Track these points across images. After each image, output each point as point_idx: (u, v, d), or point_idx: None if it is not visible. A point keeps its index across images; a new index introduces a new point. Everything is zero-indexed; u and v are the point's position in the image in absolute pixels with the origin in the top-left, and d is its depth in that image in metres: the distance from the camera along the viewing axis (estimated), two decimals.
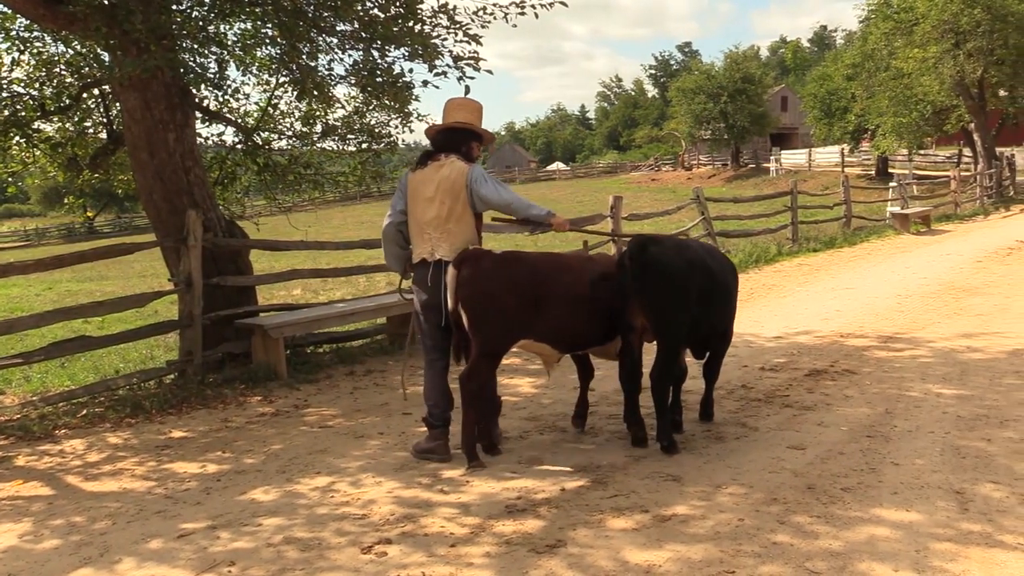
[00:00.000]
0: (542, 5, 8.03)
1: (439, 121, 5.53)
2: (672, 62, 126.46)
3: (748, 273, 13.82)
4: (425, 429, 5.47)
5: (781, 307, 10.69)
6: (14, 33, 8.56)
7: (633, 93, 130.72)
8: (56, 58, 8.79)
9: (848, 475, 4.71)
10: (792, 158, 51.82)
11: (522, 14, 8.04)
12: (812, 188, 29.40)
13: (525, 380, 7.48)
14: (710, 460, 5.08)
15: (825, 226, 19.84)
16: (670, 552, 3.82)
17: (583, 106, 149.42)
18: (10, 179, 9.93)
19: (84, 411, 6.89)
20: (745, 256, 14.93)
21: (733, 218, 17.43)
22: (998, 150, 33.27)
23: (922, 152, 43.97)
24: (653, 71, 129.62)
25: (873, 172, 42.83)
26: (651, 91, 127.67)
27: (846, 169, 40.25)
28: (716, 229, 15.81)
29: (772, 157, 52.53)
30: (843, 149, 45.72)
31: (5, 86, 8.49)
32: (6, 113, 8.43)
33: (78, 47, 8.68)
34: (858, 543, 3.83)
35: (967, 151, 37.48)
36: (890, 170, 41.47)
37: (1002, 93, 32.11)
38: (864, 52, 34.54)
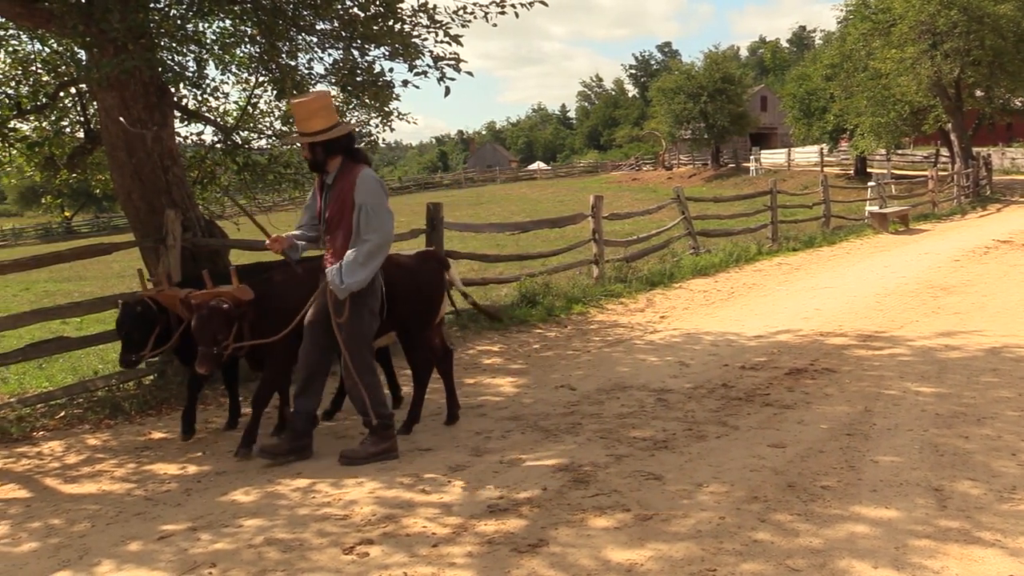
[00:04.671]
0: (522, 4, 8.02)
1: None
2: (652, 62, 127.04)
3: (728, 272, 13.88)
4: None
5: (761, 306, 10.74)
6: None
7: (613, 93, 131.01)
8: (32, 56, 8.70)
9: (828, 473, 4.74)
10: (772, 158, 52.09)
11: (502, 13, 8.03)
12: (791, 188, 29.55)
13: (506, 380, 7.48)
14: (691, 459, 5.10)
15: (805, 225, 19.95)
16: (652, 551, 3.83)
17: (564, 106, 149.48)
18: None
19: (62, 413, 6.83)
20: (725, 256, 14.98)
21: (713, 218, 17.48)
22: (975, 150, 33.58)
23: (900, 152, 44.45)
24: (633, 71, 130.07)
25: (852, 172, 43.13)
26: (631, 91, 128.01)
27: (825, 169, 40.47)
28: (696, 228, 15.86)
29: (752, 157, 52.80)
30: (822, 149, 46.00)
31: None
32: None
33: (55, 45, 8.60)
34: (838, 540, 3.86)
35: (944, 151, 37.83)
36: (868, 170, 41.80)
37: (978, 93, 32.42)
38: (842, 53, 34.73)
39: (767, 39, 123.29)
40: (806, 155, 48.68)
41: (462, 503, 4.53)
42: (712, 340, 8.70)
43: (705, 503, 4.38)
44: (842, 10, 35.20)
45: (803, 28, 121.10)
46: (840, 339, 8.47)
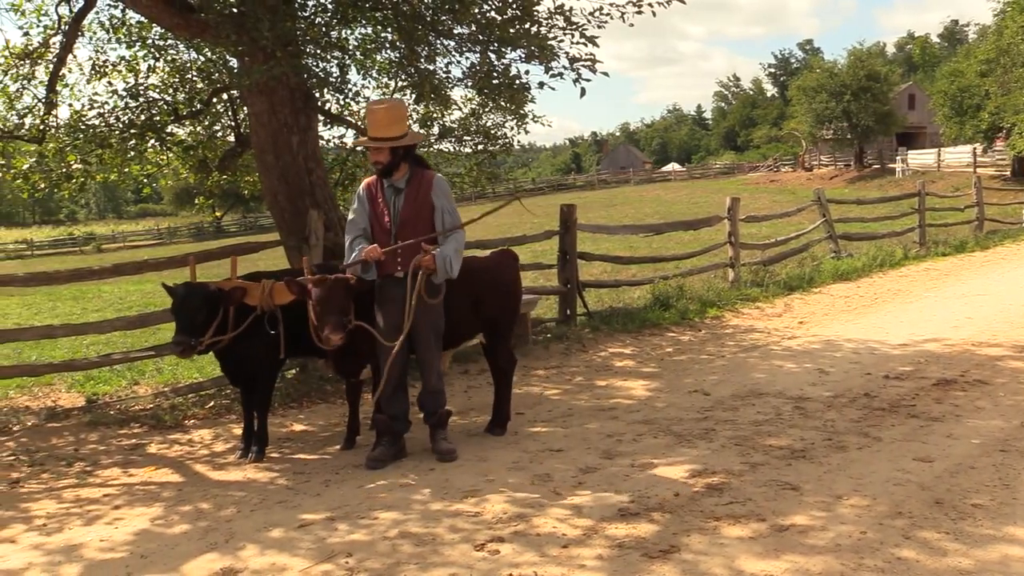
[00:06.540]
0: (659, 3, 7.91)
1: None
2: (792, 60, 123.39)
3: (872, 277, 13.35)
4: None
5: (907, 313, 10.27)
6: (150, 41, 9.02)
7: (751, 92, 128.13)
8: (188, 65, 9.20)
9: (979, 491, 4.49)
10: (919, 158, 49.76)
11: (639, 13, 7.94)
12: (941, 189, 28.14)
13: (638, 383, 7.41)
14: (830, 470, 4.92)
15: (955, 229, 18.97)
16: (788, 563, 3.72)
17: (699, 106, 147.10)
18: (145, 180, 10.43)
19: (211, 403, 7.17)
20: (869, 260, 14.41)
21: (856, 220, 16.88)
22: None
23: None
24: (772, 70, 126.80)
25: (1008, 173, 40.75)
26: (770, 90, 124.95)
27: (978, 170, 38.40)
28: (838, 232, 15.33)
29: (898, 157, 50.54)
30: (975, 148, 43.64)
31: (142, 92, 8.95)
32: (142, 118, 8.87)
33: (209, 54, 9.05)
34: (990, 563, 3.65)
35: None
36: None
37: None
38: (999, 47, 32.95)
39: (916, 34, 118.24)
40: (957, 155, 46.24)
41: (592, 505, 4.52)
42: (854, 348, 8.38)
43: (845, 516, 4.22)
44: (999, 2, 33.36)
45: (955, 22, 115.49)
46: (994, 349, 8.02)
